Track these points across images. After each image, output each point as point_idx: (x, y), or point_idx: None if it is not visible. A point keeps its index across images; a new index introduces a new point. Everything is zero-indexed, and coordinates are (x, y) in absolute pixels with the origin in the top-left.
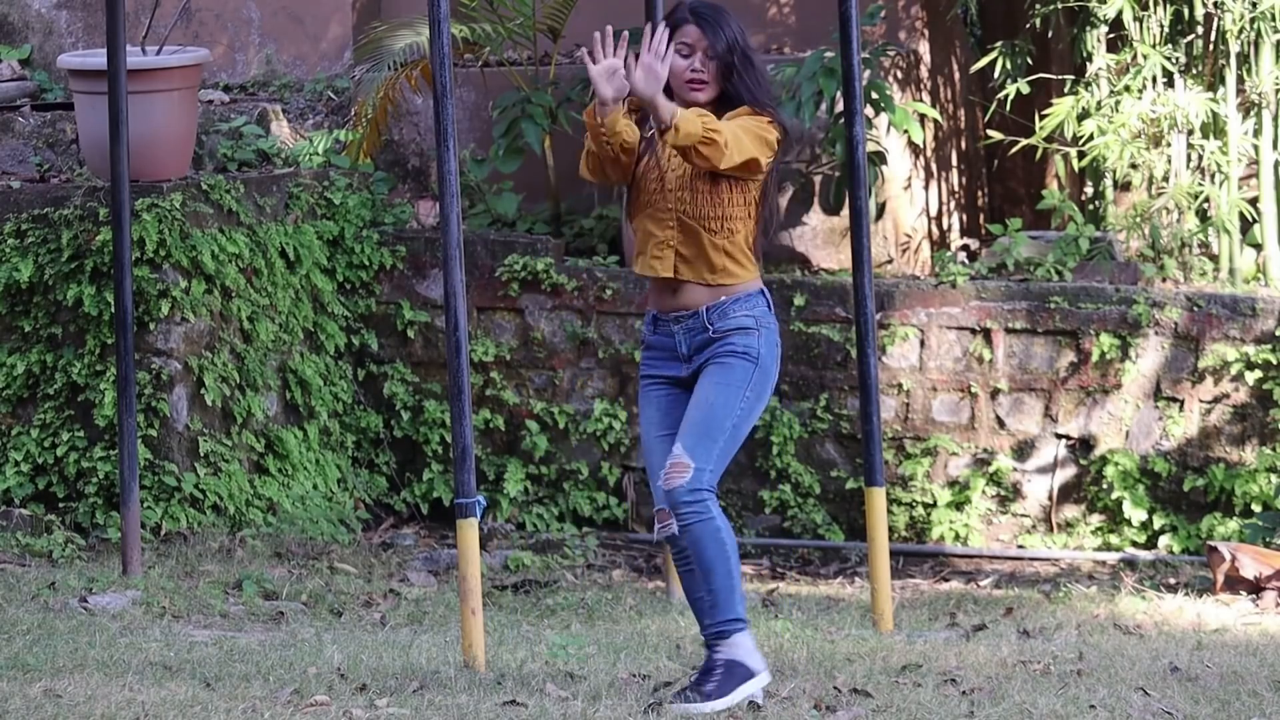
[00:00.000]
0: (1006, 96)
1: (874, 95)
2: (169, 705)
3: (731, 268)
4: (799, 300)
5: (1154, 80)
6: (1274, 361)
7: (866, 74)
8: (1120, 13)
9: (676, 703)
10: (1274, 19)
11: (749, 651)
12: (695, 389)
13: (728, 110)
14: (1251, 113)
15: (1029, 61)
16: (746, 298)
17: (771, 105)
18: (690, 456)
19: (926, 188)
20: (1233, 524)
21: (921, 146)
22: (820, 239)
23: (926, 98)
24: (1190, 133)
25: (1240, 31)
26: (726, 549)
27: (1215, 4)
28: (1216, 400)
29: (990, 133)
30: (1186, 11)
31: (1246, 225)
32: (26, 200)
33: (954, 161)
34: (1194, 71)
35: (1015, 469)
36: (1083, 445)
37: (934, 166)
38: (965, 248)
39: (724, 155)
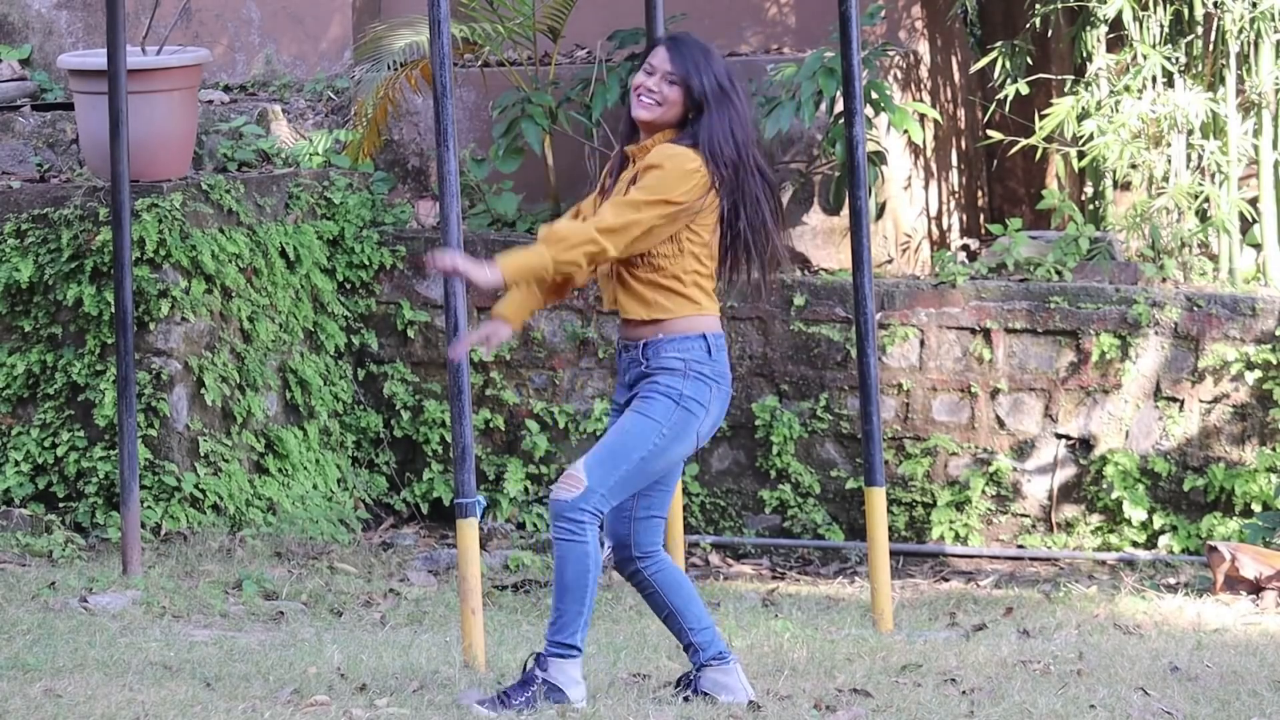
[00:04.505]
0: (1006, 96)
1: (874, 95)
2: (169, 705)
3: (664, 303)
4: (799, 300)
5: (1154, 80)
6: (1274, 361)
7: (866, 74)
8: (1120, 13)
9: (470, 701)
10: (1274, 19)
11: (571, 681)
12: (621, 416)
13: (679, 136)
14: (1251, 113)
15: (1029, 61)
16: (682, 339)
17: (705, 150)
18: (586, 474)
19: (926, 188)
20: (1233, 524)
21: (921, 146)
22: (820, 239)
23: (926, 98)
24: (1190, 133)
25: (1240, 31)
26: (588, 578)
27: (1215, 4)
28: (1216, 400)
29: (990, 133)
30: (1186, 11)
31: (1246, 225)
32: (26, 200)
33: (954, 161)
34: (1194, 71)
35: (1015, 469)
36: (1083, 445)
37: (934, 166)
38: (965, 248)
39: (604, 248)
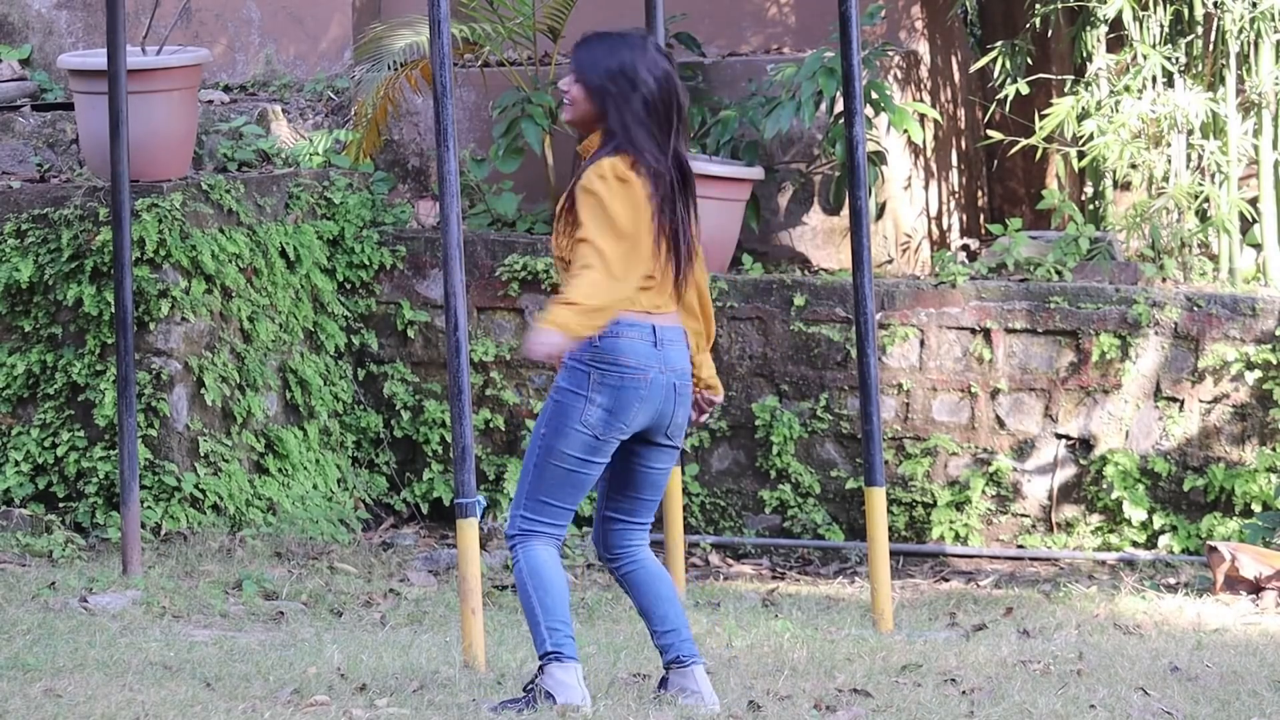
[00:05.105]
0: (1006, 96)
1: (874, 95)
2: (169, 705)
3: None
4: (799, 300)
5: (1154, 80)
6: (1274, 361)
7: (866, 74)
8: (1120, 13)
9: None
10: (1274, 19)
11: (560, 685)
12: None
13: (605, 140)
14: (1251, 113)
15: (1029, 61)
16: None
17: (628, 144)
18: (511, 504)
19: (926, 188)
20: (1233, 524)
21: (921, 146)
22: (820, 239)
23: (926, 98)
24: (1190, 133)
25: (1240, 31)
26: (527, 588)
27: (1215, 4)
28: (1216, 400)
29: (990, 133)
30: (1186, 11)
31: (1246, 225)
32: (26, 200)
33: (954, 161)
34: (1194, 71)
35: (1015, 469)
36: (1083, 445)
37: (934, 166)
38: (965, 248)
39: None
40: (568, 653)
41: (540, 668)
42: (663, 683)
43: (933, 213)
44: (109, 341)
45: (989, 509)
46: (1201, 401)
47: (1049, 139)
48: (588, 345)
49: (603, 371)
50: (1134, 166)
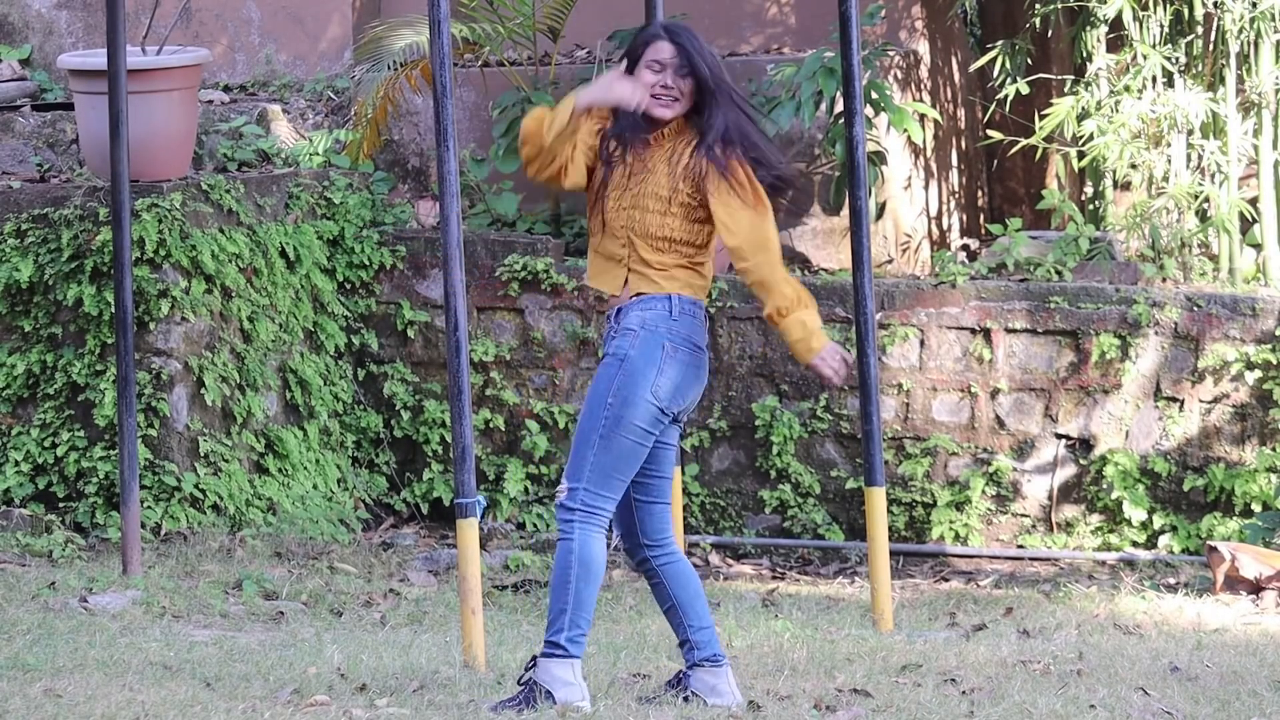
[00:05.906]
0: (1006, 96)
1: (874, 95)
2: (169, 705)
3: (655, 277)
4: None
5: (1154, 80)
6: (1274, 361)
7: (866, 74)
8: (1120, 13)
9: (489, 707)
10: (1274, 19)
11: (557, 681)
12: None
13: (697, 126)
14: (1251, 113)
15: (1029, 61)
16: (650, 299)
17: (762, 151)
18: (566, 475)
19: (926, 188)
20: (1233, 524)
21: (921, 146)
22: (820, 239)
23: (926, 98)
24: (1190, 133)
25: (1240, 31)
26: (569, 575)
27: (1215, 4)
28: (1216, 400)
29: (990, 133)
30: (1186, 11)
31: (1246, 225)
32: (26, 200)
33: (954, 161)
34: (1194, 71)
35: (1015, 469)
36: (1082, 445)
37: (934, 166)
38: (965, 248)
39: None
40: (574, 651)
41: (534, 660)
42: (680, 681)
43: (933, 213)
44: (109, 341)
45: (989, 509)
46: (1201, 401)
47: (1049, 139)
48: (665, 318)
49: (676, 346)
50: (1134, 166)
